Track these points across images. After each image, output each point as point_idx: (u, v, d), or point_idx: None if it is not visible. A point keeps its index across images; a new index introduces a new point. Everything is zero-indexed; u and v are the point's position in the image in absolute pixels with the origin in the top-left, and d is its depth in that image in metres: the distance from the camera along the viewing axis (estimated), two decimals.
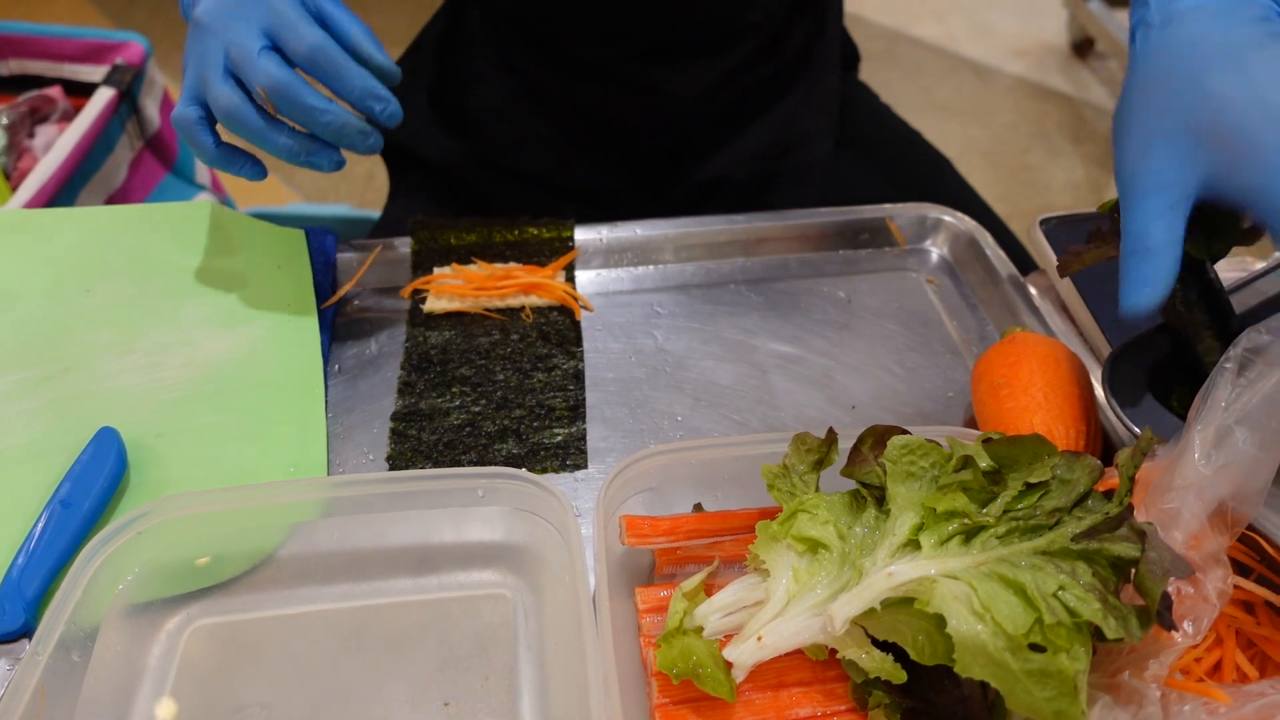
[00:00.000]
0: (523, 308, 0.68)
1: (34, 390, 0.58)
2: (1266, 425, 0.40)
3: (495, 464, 0.58)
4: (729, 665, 0.41)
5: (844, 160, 0.89)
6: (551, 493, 0.48)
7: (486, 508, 0.51)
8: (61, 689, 0.42)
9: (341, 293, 0.70)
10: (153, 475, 0.55)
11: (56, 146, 0.96)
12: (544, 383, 0.63)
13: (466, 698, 0.46)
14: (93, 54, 1.12)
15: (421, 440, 0.59)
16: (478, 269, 0.69)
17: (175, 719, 0.45)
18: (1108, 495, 0.40)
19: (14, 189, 0.97)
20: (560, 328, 0.67)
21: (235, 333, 0.63)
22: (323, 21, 0.55)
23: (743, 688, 0.42)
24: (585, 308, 0.70)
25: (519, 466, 0.55)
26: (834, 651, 0.42)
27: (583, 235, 0.74)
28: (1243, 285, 0.56)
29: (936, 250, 0.77)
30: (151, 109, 1.16)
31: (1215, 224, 0.50)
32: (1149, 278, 0.43)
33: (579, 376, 0.64)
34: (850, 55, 0.94)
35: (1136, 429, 0.48)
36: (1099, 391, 0.55)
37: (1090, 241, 0.53)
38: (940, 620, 0.37)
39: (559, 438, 0.60)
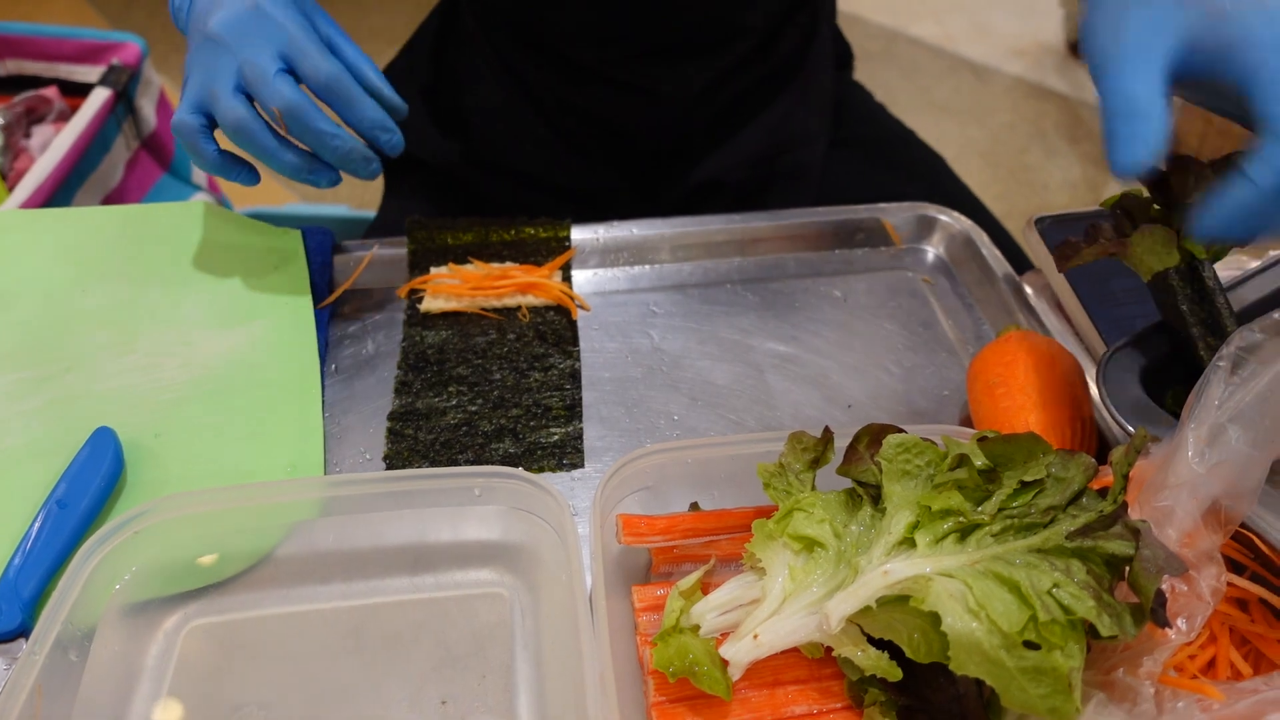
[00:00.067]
0: (519, 307, 0.68)
1: (31, 391, 0.58)
2: (1260, 423, 0.40)
3: (492, 463, 0.58)
4: (725, 663, 0.41)
5: (839, 160, 0.89)
6: (548, 492, 0.48)
7: (483, 507, 0.51)
8: (59, 688, 0.42)
9: (338, 293, 0.70)
10: (150, 475, 0.55)
11: (53, 147, 0.96)
12: (540, 382, 0.63)
13: (464, 696, 0.47)
14: (89, 54, 1.12)
15: (418, 440, 0.59)
16: (474, 269, 0.69)
17: (173, 718, 0.45)
18: (1102, 493, 0.40)
19: (10, 189, 0.97)
20: (557, 327, 0.67)
21: (232, 333, 0.63)
22: (333, 52, 0.58)
23: (739, 685, 0.43)
24: (582, 307, 0.70)
25: (515, 466, 0.55)
26: (830, 649, 0.42)
27: (579, 235, 0.74)
28: (1238, 284, 0.56)
29: (932, 250, 0.77)
30: (148, 109, 1.16)
31: None
32: (1140, 134, 0.41)
33: (575, 376, 0.64)
34: (844, 54, 0.94)
35: (1131, 427, 0.48)
36: (1094, 390, 0.55)
37: (1089, 237, 0.54)
38: (935, 618, 0.37)
39: (555, 437, 0.60)
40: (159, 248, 0.67)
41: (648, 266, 0.75)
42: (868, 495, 0.43)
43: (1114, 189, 0.46)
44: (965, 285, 0.74)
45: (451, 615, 0.50)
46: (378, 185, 0.97)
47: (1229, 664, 0.43)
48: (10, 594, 0.47)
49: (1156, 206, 0.52)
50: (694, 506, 0.51)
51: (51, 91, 1.10)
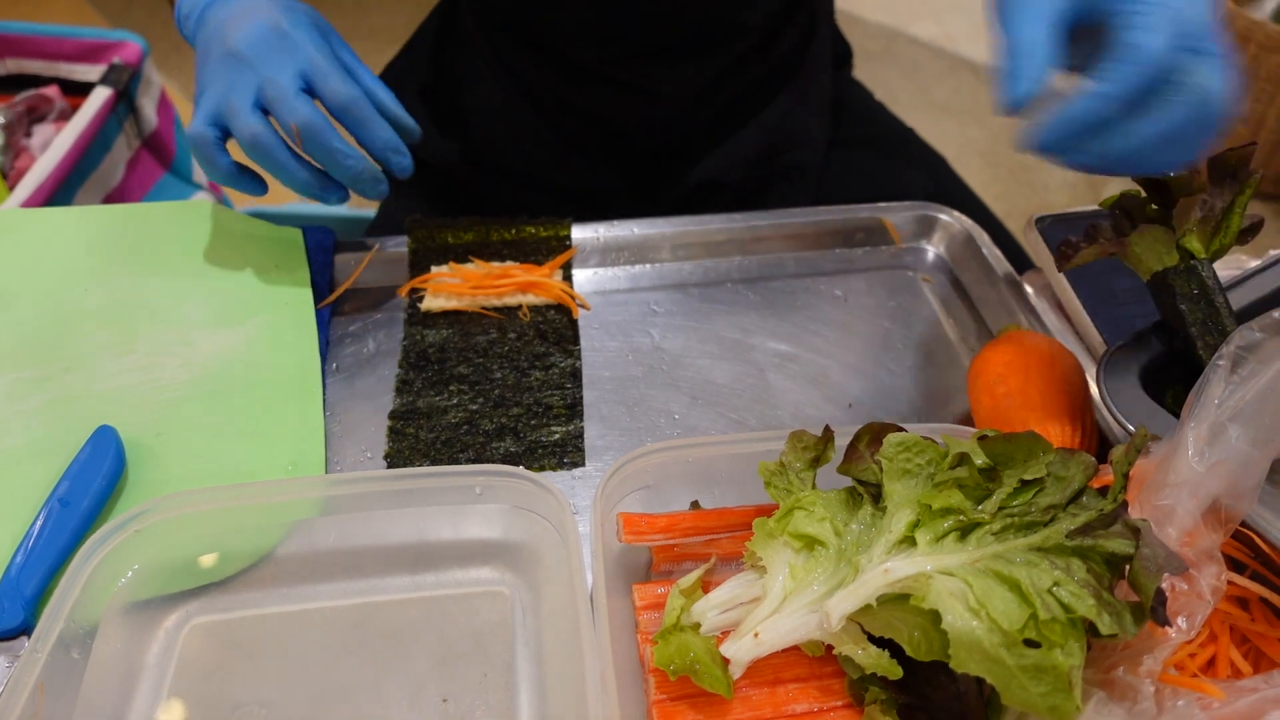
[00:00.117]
0: (520, 306, 0.68)
1: (32, 390, 0.58)
2: (1260, 422, 0.40)
3: (493, 462, 0.58)
4: (726, 661, 0.41)
5: (838, 159, 0.89)
6: (549, 490, 0.48)
7: (484, 505, 0.51)
8: (61, 686, 0.42)
9: (339, 292, 0.70)
10: (151, 474, 0.55)
11: (54, 146, 0.96)
12: (541, 381, 0.63)
13: (464, 694, 0.47)
14: (90, 53, 1.12)
15: (419, 438, 0.60)
16: (475, 268, 0.69)
17: (174, 716, 0.45)
18: (1102, 492, 0.40)
19: (11, 188, 0.97)
20: (557, 326, 0.67)
21: (233, 332, 0.63)
22: (350, 76, 0.59)
23: (740, 684, 0.43)
24: (582, 306, 0.70)
25: (516, 464, 0.55)
26: (830, 648, 0.42)
27: (580, 234, 0.74)
28: (1238, 283, 0.56)
29: (933, 249, 0.77)
30: (149, 108, 1.16)
31: (1217, 222, 0.50)
32: (1024, 70, 0.44)
33: (576, 375, 0.64)
34: (842, 53, 0.94)
35: (1131, 426, 0.48)
36: (1094, 389, 0.55)
37: (1089, 237, 0.54)
38: (936, 616, 0.37)
39: (556, 436, 0.60)
40: (160, 247, 0.67)
41: (648, 266, 0.75)
42: (868, 494, 0.43)
43: (1113, 189, 0.46)
44: (966, 284, 0.74)
45: (452, 614, 0.50)
46: None
47: (1229, 662, 0.43)
48: (12, 592, 0.47)
49: (1155, 206, 0.52)
50: (695, 505, 0.51)
51: (52, 90, 1.10)
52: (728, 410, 0.63)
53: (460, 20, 0.86)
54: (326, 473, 0.57)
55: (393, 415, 0.61)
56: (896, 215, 0.78)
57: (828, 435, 0.46)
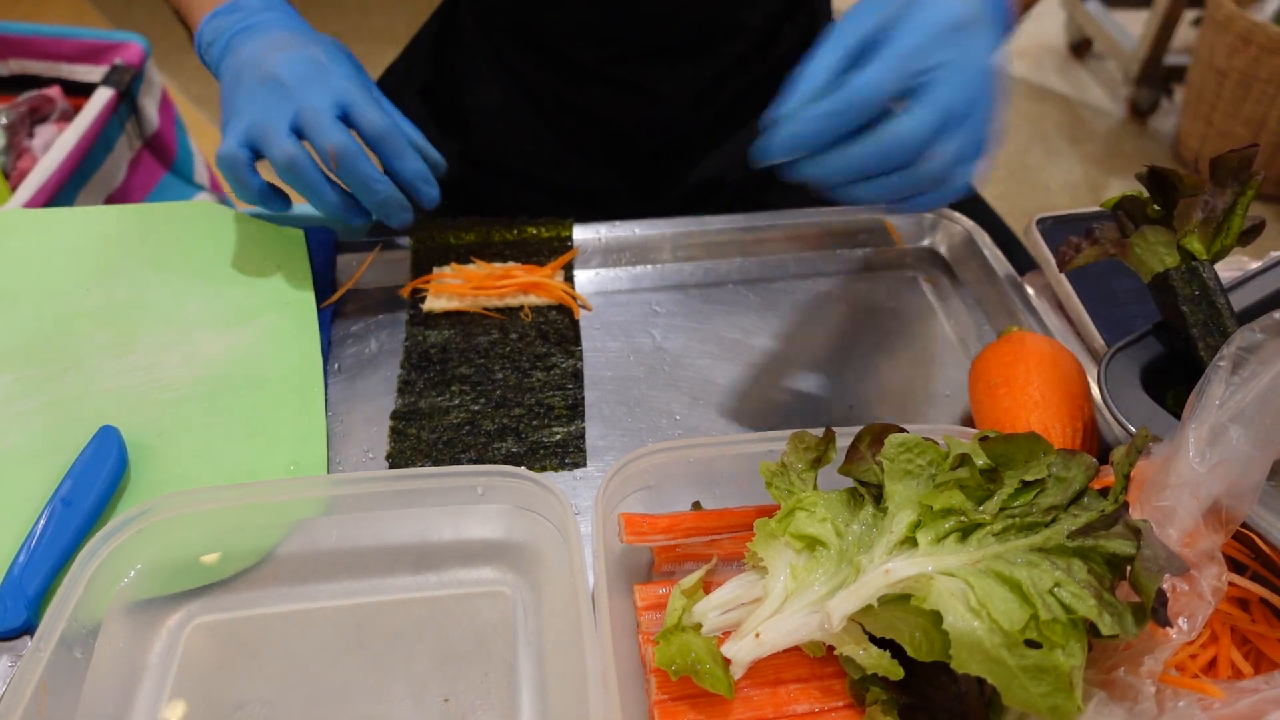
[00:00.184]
0: (521, 307, 0.69)
1: (35, 390, 0.58)
2: (1260, 423, 0.40)
3: (494, 462, 0.59)
4: (727, 662, 0.41)
5: None
6: (550, 491, 0.48)
7: (486, 506, 0.51)
8: (64, 685, 0.43)
9: (341, 292, 0.70)
10: (153, 474, 0.55)
11: (56, 146, 0.96)
12: (543, 381, 0.63)
13: (466, 694, 0.47)
14: (91, 54, 1.12)
15: (421, 439, 0.60)
16: (477, 268, 0.69)
17: (177, 715, 0.46)
18: (1103, 493, 0.40)
19: (13, 189, 0.97)
20: (559, 327, 0.67)
21: (235, 332, 0.63)
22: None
23: (741, 684, 0.43)
24: (584, 307, 0.70)
25: (518, 465, 0.55)
26: (832, 648, 0.42)
27: (581, 235, 0.74)
28: (1239, 285, 0.56)
29: (934, 250, 0.77)
30: (150, 109, 1.16)
31: (1217, 224, 0.50)
32: (796, 89, 0.48)
33: (578, 375, 0.64)
34: None
35: (1132, 427, 0.48)
36: (1095, 390, 0.55)
37: (1090, 238, 0.54)
38: (937, 617, 0.37)
39: (558, 436, 0.60)
40: (162, 247, 0.67)
41: (649, 266, 0.75)
42: (869, 494, 0.43)
43: (1115, 190, 0.47)
44: (966, 285, 0.74)
45: (454, 613, 0.50)
46: None
47: (1230, 663, 0.43)
48: (15, 591, 0.47)
49: (1156, 208, 0.52)
50: (696, 505, 0.51)
51: (54, 91, 1.10)
52: (729, 411, 0.63)
53: (460, 21, 0.86)
54: (328, 473, 0.57)
55: (394, 416, 0.61)
56: (898, 216, 0.78)
57: (829, 436, 0.46)
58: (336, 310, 0.69)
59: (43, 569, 0.48)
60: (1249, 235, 0.51)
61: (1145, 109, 2.42)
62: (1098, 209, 0.69)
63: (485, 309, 0.68)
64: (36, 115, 1.08)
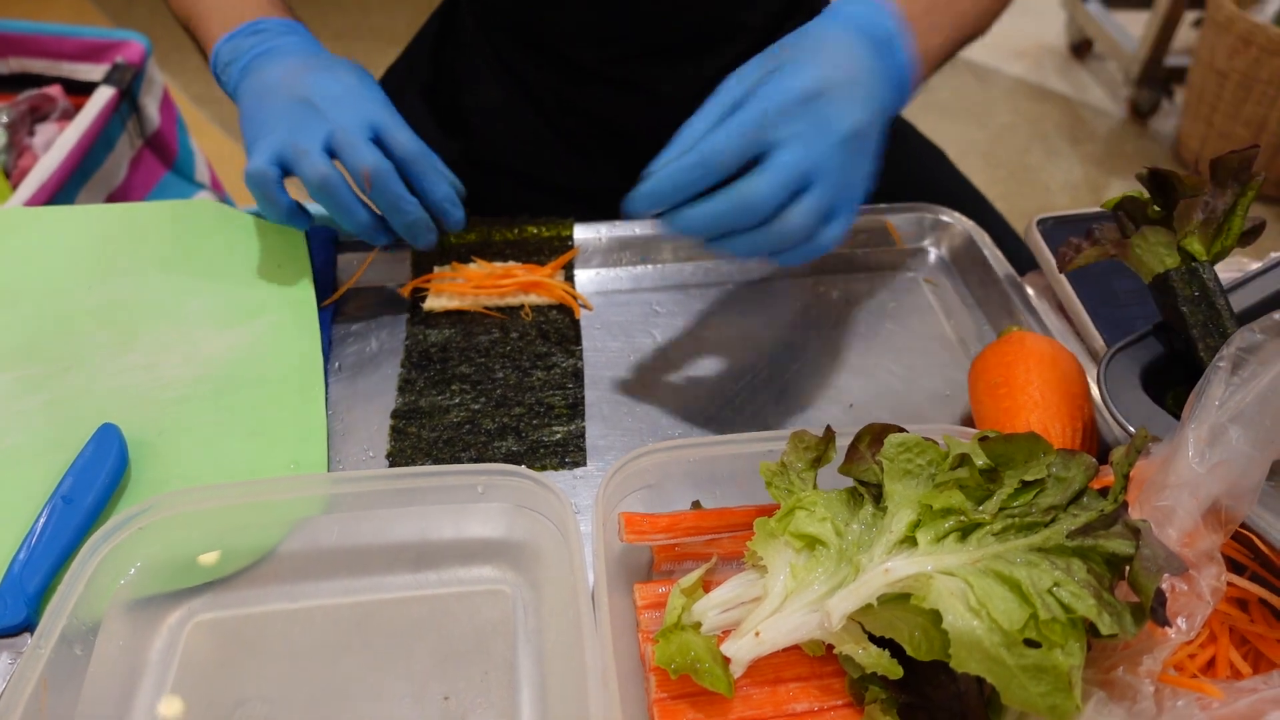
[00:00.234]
0: (522, 306, 0.69)
1: (36, 388, 0.58)
2: (1260, 423, 0.40)
3: (495, 461, 0.59)
4: (727, 660, 0.41)
5: None
6: (550, 489, 0.48)
7: (486, 504, 0.51)
8: (64, 682, 0.43)
9: (342, 291, 0.70)
10: (154, 472, 0.55)
11: (57, 145, 0.96)
12: (543, 381, 0.63)
13: (466, 692, 0.47)
14: (93, 53, 1.12)
15: (421, 437, 0.60)
16: (477, 268, 0.70)
17: (177, 713, 0.46)
18: (1103, 493, 0.40)
19: (14, 187, 0.97)
20: (559, 326, 0.67)
21: (236, 331, 0.63)
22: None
23: (740, 683, 0.43)
24: (584, 306, 0.70)
25: (518, 464, 0.55)
26: (831, 647, 0.42)
27: (582, 234, 0.74)
28: (1239, 286, 0.56)
29: (934, 250, 0.78)
30: (151, 108, 1.16)
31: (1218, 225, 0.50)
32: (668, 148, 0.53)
33: (578, 375, 0.64)
34: None
35: (1131, 428, 0.49)
36: (1095, 391, 0.55)
37: (1090, 239, 0.54)
38: (936, 616, 0.37)
39: (558, 435, 0.60)
40: (162, 246, 0.67)
41: (650, 266, 0.75)
42: (869, 494, 0.43)
43: (1115, 191, 0.47)
44: (967, 285, 0.74)
45: (454, 612, 0.50)
46: None
47: (1228, 663, 0.43)
48: (16, 588, 0.47)
49: (1156, 208, 0.52)
50: (696, 505, 0.51)
51: (55, 90, 1.10)
52: (729, 410, 0.63)
53: (460, 21, 0.86)
54: (329, 471, 0.57)
55: (395, 414, 0.61)
56: (898, 216, 0.78)
57: (829, 435, 0.46)
58: (337, 309, 0.69)
59: (43, 566, 0.48)
60: (1249, 236, 0.51)
61: (1146, 110, 2.42)
62: (1098, 209, 0.70)
63: (486, 308, 0.68)
64: (37, 114, 1.08)
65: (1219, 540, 0.40)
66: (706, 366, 0.66)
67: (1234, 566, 0.45)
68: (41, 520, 0.50)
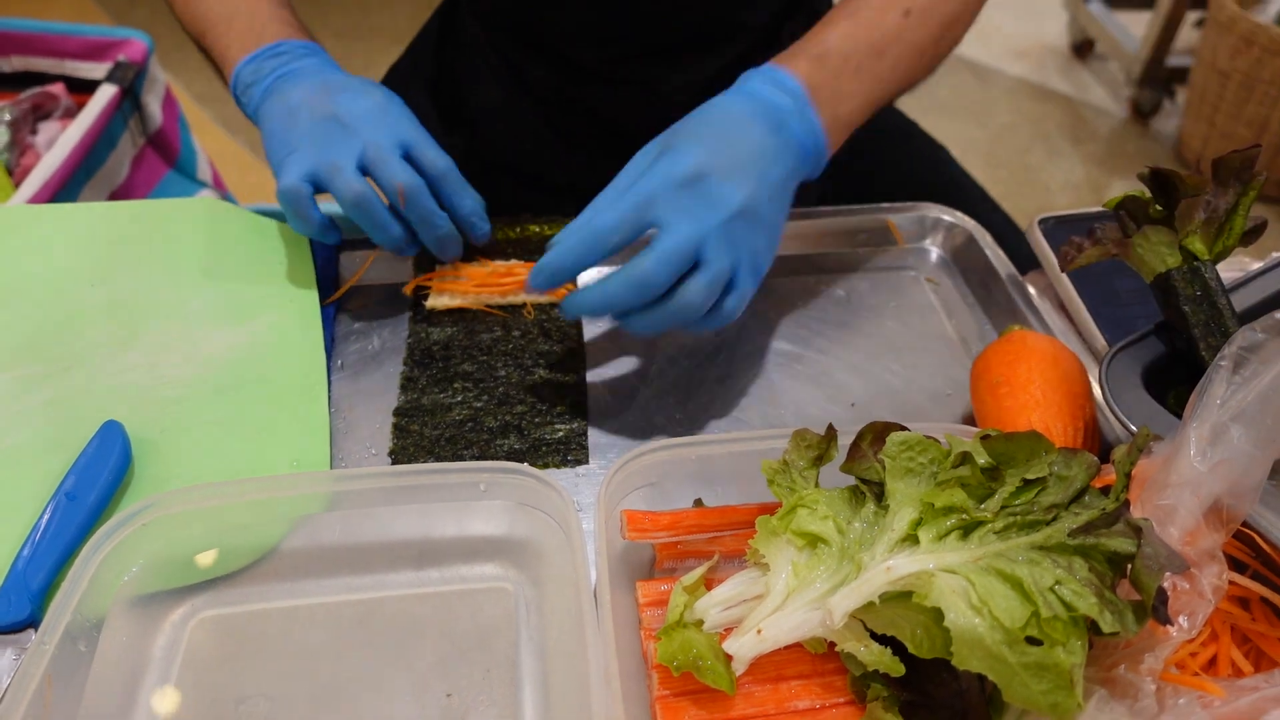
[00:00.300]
0: (524, 304, 0.69)
1: (38, 386, 0.58)
2: (1262, 422, 0.40)
3: (497, 459, 0.59)
4: (729, 658, 0.41)
5: (840, 153, 0.90)
6: (553, 487, 0.48)
7: (488, 502, 0.51)
8: (68, 678, 0.43)
9: (344, 289, 0.70)
10: (157, 470, 0.55)
11: (59, 143, 0.96)
12: (545, 379, 0.64)
13: (468, 690, 0.47)
14: (95, 51, 1.12)
15: (423, 435, 0.60)
16: (479, 266, 0.70)
17: (179, 709, 0.46)
18: (1104, 491, 0.40)
19: (17, 185, 0.97)
20: (561, 324, 0.67)
21: (238, 329, 0.63)
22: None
23: (742, 680, 0.43)
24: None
25: (520, 461, 0.55)
26: (833, 645, 0.42)
27: None
28: (1240, 285, 0.56)
29: (936, 249, 0.78)
30: (154, 106, 1.16)
31: (1219, 225, 0.50)
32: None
33: (580, 373, 0.64)
34: None
35: (1133, 427, 0.49)
36: (1096, 390, 0.55)
37: (1092, 238, 0.54)
38: (938, 614, 0.37)
39: (560, 433, 0.60)
40: (165, 244, 0.67)
41: None
42: (871, 492, 0.44)
43: (1117, 191, 0.47)
44: (968, 285, 0.74)
45: (456, 609, 0.50)
46: None
47: (1230, 662, 0.43)
48: (20, 585, 0.47)
49: (1158, 208, 0.52)
50: (698, 503, 0.51)
51: (58, 88, 1.10)
52: (731, 409, 0.63)
53: (461, 20, 0.86)
54: (331, 469, 0.58)
55: (397, 412, 0.61)
56: (899, 216, 0.78)
57: (831, 434, 0.47)
58: (339, 307, 0.69)
59: (47, 563, 0.48)
60: (1251, 236, 0.51)
61: (1147, 110, 2.42)
62: (1100, 209, 0.70)
63: (488, 306, 0.68)
64: (40, 112, 1.08)
65: (1220, 539, 0.40)
66: (708, 365, 0.66)
67: (1235, 565, 0.45)
68: (45, 518, 0.50)
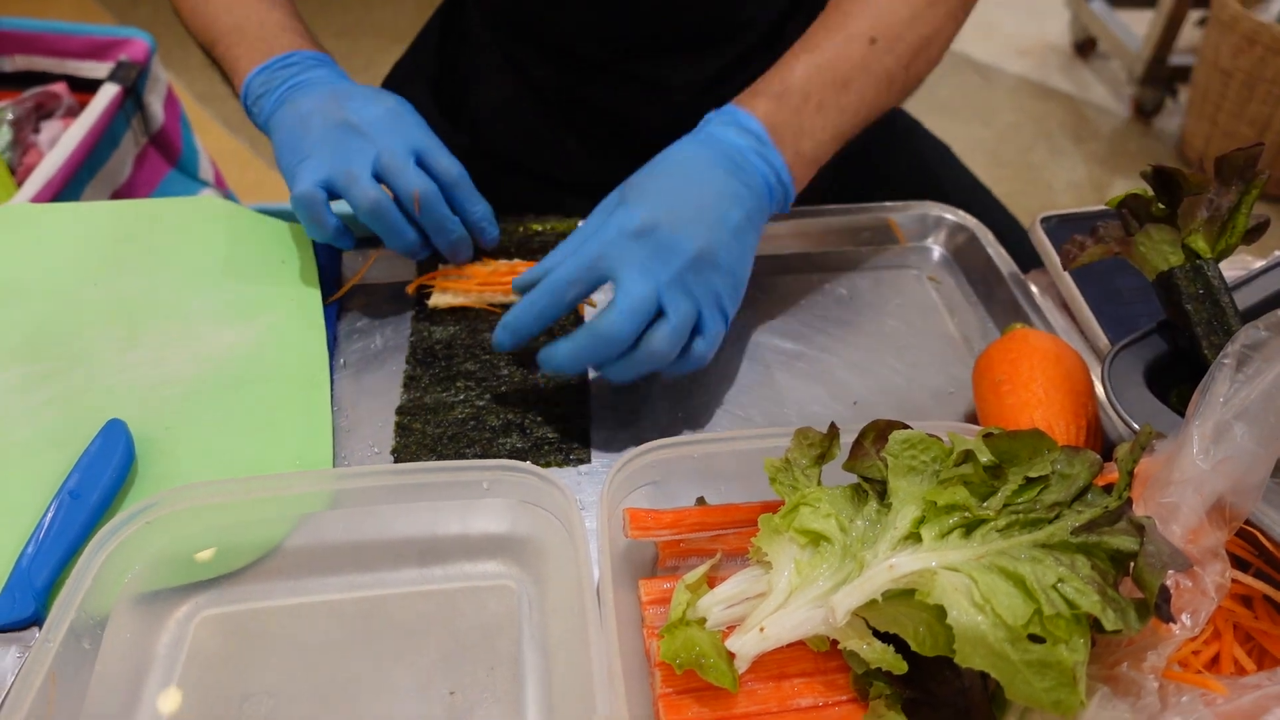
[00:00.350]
0: None
1: (42, 384, 0.59)
2: (1265, 420, 0.40)
3: (499, 457, 0.59)
4: (731, 656, 0.41)
5: (843, 153, 0.90)
6: (555, 485, 0.48)
7: (491, 500, 0.51)
8: (72, 676, 0.43)
9: (347, 288, 0.70)
10: (160, 468, 0.56)
11: (62, 142, 0.96)
12: (547, 377, 0.64)
13: (471, 687, 0.47)
14: (97, 50, 1.12)
15: (426, 434, 0.60)
16: (482, 265, 0.70)
17: (183, 707, 0.46)
18: (1107, 490, 0.40)
19: (20, 184, 0.97)
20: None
21: (241, 327, 0.63)
22: None
23: (745, 678, 0.43)
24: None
25: (523, 460, 0.55)
26: (835, 642, 0.42)
27: None
28: (1243, 283, 0.56)
29: (938, 248, 0.78)
30: (156, 105, 1.16)
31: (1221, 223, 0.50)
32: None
33: (583, 372, 0.64)
34: None
35: (1136, 425, 0.49)
36: (1099, 388, 0.55)
37: (1095, 237, 0.54)
38: (941, 611, 0.37)
39: (562, 432, 0.60)
40: (168, 242, 0.67)
41: None
42: (873, 490, 0.44)
43: (1119, 189, 0.47)
44: (970, 283, 0.74)
45: (459, 607, 0.50)
46: None
47: (1233, 659, 0.43)
48: (24, 583, 0.47)
49: (1161, 206, 0.52)
50: (700, 501, 0.51)
51: (60, 87, 1.10)
52: (733, 407, 0.63)
53: (463, 18, 0.86)
54: (334, 467, 0.58)
55: (400, 411, 0.61)
56: (901, 214, 0.78)
57: (833, 432, 0.47)
58: (342, 306, 0.69)
59: (51, 561, 0.48)
60: (1253, 234, 0.51)
61: (1150, 109, 2.42)
62: (1102, 207, 0.69)
63: (490, 305, 0.68)
64: (42, 111, 1.08)
65: (1223, 537, 0.40)
66: (710, 364, 0.66)
67: (1238, 563, 0.45)
68: (49, 515, 0.50)
